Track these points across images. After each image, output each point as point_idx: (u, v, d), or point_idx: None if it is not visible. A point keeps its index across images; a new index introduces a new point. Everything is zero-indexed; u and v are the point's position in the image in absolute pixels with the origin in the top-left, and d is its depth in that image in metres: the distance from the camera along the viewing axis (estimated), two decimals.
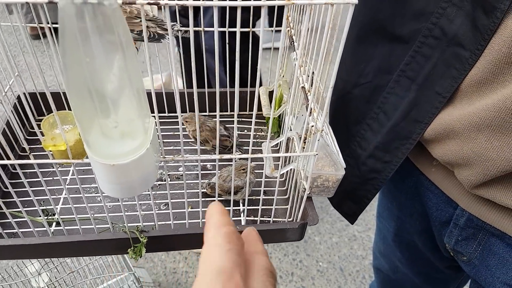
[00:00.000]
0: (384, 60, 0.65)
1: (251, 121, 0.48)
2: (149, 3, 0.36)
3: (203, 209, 0.58)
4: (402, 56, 0.61)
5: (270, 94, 0.82)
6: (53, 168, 0.76)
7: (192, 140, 0.84)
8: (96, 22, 0.32)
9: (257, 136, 0.88)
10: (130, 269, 1.30)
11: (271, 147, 0.73)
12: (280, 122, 0.82)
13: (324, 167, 0.62)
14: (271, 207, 0.72)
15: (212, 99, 0.87)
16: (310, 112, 0.55)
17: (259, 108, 0.89)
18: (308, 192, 0.57)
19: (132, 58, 0.36)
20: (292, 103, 0.69)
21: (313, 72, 0.55)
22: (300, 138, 0.69)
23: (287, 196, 0.73)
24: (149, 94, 0.41)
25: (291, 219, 0.68)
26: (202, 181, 0.76)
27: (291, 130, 0.69)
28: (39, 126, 0.85)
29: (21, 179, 0.49)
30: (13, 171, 0.75)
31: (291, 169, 0.64)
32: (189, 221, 0.61)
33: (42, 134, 0.54)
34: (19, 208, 0.54)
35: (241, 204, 0.73)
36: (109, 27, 0.33)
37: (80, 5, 0.31)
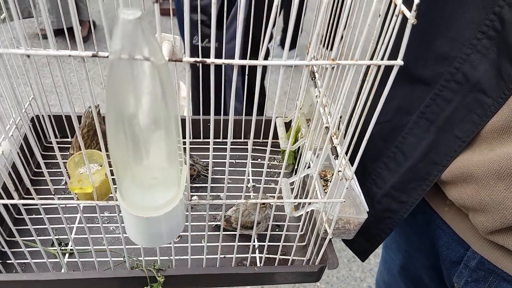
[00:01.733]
0: (404, 101, 0.65)
1: (265, 149, 0.47)
2: (195, 62, 0.35)
3: (220, 244, 0.57)
4: (422, 98, 0.61)
5: (286, 125, 0.82)
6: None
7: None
8: (144, 73, 0.32)
9: (270, 165, 0.87)
10: None
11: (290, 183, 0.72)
12: (295, 154, 0.81)
13: (345, 208, 0.62)
14: (284, 244, 0.71)
15: (225, 127, 0.87)
16: (337, 156, 0.54)
17: (264, 135, 0.89)
18: (331, 236, 0.57)
19: (172, 108, 0.35)
20: (311, 139, 0.69)
21: (340, 117, 0.55)
22: (322, 178, 0.69)
23: (302, 233, 0.72)
24: None
25: (307, 258, 0.67)
26: (216, 213, 0.75)
27: (309, 166, 0.69)
28: (51, 148, 0.84)
29: (33, 206, 0.48)
30: (26, 197, 0.73)
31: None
32: (207, 256, 0.60)
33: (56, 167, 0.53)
34: (29, 236, 0.52)
35: (255, 240, 0.72)
36: (154, 78, 0.32)
37: (128, 61, 0.31)
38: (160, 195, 0.40)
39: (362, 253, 0.79)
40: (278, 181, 0.83)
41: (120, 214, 0.72)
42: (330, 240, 0.64)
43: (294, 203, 0.61)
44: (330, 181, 0.68)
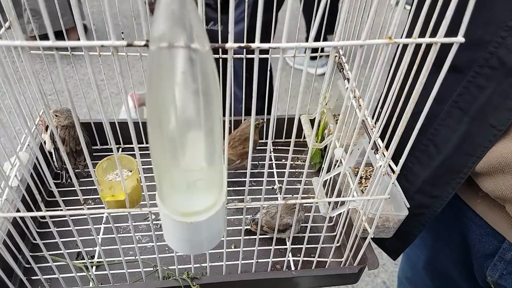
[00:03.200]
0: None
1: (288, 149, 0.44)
2: (239, 47, 0.33)
3: (253, 248, 0.55)
4: (455, 87, 0.58)
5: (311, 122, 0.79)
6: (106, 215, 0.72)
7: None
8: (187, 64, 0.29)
9: (294, 165, 0.85)
10: None
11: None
12: (322, 152, 0.78)
13: (384, 205, 0.59)
14: (317, 246, 0.68)
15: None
16: (377, 150, 0.52)
17: (287, 134, 0.86)
18: (372, 236, 0.54)
19: (215, 105, 0.33)
20: (340, 135, 0.66)
21: (381, 107, 0.52)
22: (356, 175, 0.66)
23: (334, 233, 0.69)
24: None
25: (344, 259, 0.64)
26: (245, 216, 0.72)
27: (338, 164, 0.66)
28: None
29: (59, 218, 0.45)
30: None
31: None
32: (243, 262, 0.57)
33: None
34: (50, 250, 0.49)
35: (287, 243, 0.69)
36: (198, 68, 0.30)
37: (170, 49, 0.28)
38: (203, 199, 0.37)
39: (394, 252, 0.76)
40: (303, 181, 0.81)
41: (155, 222, 0.70)
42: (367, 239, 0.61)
43: (331, 202, 0.58)
44: (363, 178, 0.65)
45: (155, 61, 0.29)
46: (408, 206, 0.56)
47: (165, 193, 0.37)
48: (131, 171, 0.47)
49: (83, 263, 0.62)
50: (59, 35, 0.32)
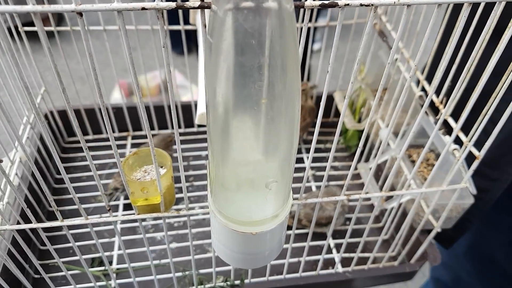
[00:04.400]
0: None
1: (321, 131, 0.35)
2: (322, 5, 0.24)
3: (308, 244, 0.47)
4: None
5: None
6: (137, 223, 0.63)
7: None
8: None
9: (323, 148, 0.77)
10: None
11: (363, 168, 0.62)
12: (359, 134, 0.70)
13: (443, 192, 0.51)
14: (359, 239, 0.61)
15: None
16: (446, 131, 0.44)
17: (325, 113, 0.78)
18: (439, 230, 0.46)
19: (295, 82, 0.24)
20: (386, 114, 0.58)
21: (451, 82, 0.44)
22: (408, 156, 0.58)
23: (381, 225, 0.62)
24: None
25: (393, 253, 0.57)
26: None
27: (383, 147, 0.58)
28: (70, 149, 0.72)
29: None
30: (71, 218, 0.62)
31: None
32: (290, 260, 0.50)
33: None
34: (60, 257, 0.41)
35: (330, 238, 0.61)
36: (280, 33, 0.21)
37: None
38: (271, 205, 0.29)
39: (447, 240, 0.70)
40: (337, 167, 0.73)
41: (176, 219, 0.61)
42: (427, 232, 0.54)
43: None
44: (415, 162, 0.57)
45: (216, 25, 0.20)
46: (475, 193, 0.49)
47: (222, 196, 0.29)
48: (162, 167, 0.38)
49: (101, 270, 0.54)
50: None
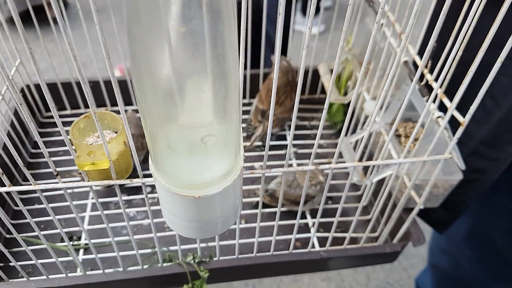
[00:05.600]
0: (495, 31, 0.51)
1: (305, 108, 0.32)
2: None
3: (267, 223, 0.44)
4: None
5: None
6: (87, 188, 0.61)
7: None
8: None
9: (309, 126, 0.73)
10: None
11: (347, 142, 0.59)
12: (345, 109, 0.67)
13: (429, 168, 0.48)
14: (342, 219, 0.58)
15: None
16: (435, 99, 0.40)
17: (311, 89, 0.74)
18: (422, 206, 0.43)
19: (227, 35, 0.21)
20: (372, 86, 0.55)
21: (436, 43, 0.40)
22: (397, 134, 0.54)
23: (365, 204, 0.59)
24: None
25: (376, 234, 0.54)
26: (253, 187, 0.62)
27: (369, 120, 0.55)
28: (47, 124, 0.71)
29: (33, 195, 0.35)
30: (22, 184, 0.60)
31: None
32: (265, 239, 0.47)
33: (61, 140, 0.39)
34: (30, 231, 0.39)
35: (308, 216, 0.59)
36: None
37: None
38: (215, 165, 0.26)
39: (441, 224, 0.67)
40: (322, 145, 0.70)
41: (151, 195, 0.60)
42: (409, 210, 0.51)
43: (363, 166, 0.48)
44: (403, 137, 0.54)
45: None
46: (463, 168, 0.45)
47: (161, 158, 0.26)
48: (116, 132, 0.36)
49: (66, 246, 0.52)
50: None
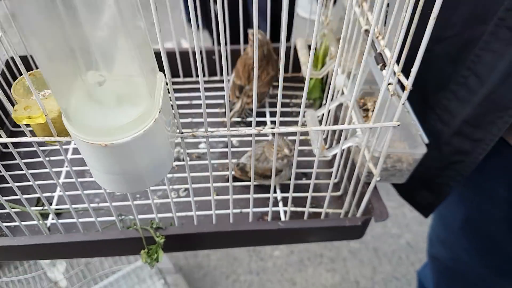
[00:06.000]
0: (476, 5, 0.50)
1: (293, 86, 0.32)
2: None
3: (233, 197, 0.44)
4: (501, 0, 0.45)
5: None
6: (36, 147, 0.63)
7: (217, 110, 0.69)
8: None
9: (291, 104, 0.72)
10: None
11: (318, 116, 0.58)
12: (323, 85, 0.66)
13: (394, 142, 0.47)
14: (315, 195, 0.57)
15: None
16: (384, 65, 0.39)
17: (295, 68, 0.73)
18: (378, 179, 0.42)
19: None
20: (342, 58, 0.53)
21: (387, 5, 0.38)
22: (360, 107, 0.53)
23: (336, 180, 0.58)
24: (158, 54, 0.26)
25: (344, 210, 0.53)
26: (227, 161, 0.62)
27: (342, 94, 0.54)
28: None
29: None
30: None
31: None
32: (216, 211, 0.48)
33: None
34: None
35: (278, 191, 0.59)
36: None
37: None
38: (126, 114, 0.26)
39: (426, 207, 0.66)
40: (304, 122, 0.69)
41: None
42: (375, 186, 0.49)
43: (322, 139, 0.47)
44: (371, 111, 0.52)
45: None
46: (427, 141, 0.44)
47: (71, 108, 0.26)
48: None
49: (38, 210, 0.54)
50: None
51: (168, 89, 0.31)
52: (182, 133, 0.36)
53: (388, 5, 0.38)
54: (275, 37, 0.65)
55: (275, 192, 0.58)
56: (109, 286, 1.18)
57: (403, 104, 0.35)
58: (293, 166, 0.44)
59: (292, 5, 1.04)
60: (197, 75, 0.74)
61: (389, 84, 0.38)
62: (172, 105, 0.32)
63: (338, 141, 0.53)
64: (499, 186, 0.61)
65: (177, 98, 0.71)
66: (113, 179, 0.30)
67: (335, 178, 0.56)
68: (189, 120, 0.69)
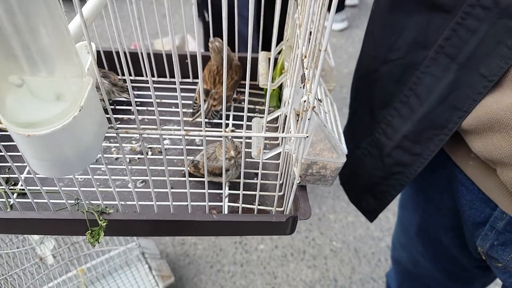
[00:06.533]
0: (420, 33, 0.54)
1: (253, 93, 0.37)
2: None
3: (186, 190, 0.49)
4: (441, 29, 0.50)
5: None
6: None
7: (185, 110, 0.74)
8: None
9: (256, 110, 0.77)
10: (134, 240, 1.25)
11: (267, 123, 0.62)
12: (280, 95, 0.70)
13: (322, 151, 0.51)
14: (260, 193, 0.62)
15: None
16: (304, 84, 0.44)
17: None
18: (298, 181, 0.47)
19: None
20: (292, 72, 0.58)
21: (310, 32, 0.43)
22: (298, 115, 0.58)
23: (282, 182, 0.63)
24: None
25: (284, 209, 0.58)
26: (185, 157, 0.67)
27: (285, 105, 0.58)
28: None
29: None
30: None
31: (287, 152, 0.54)
32: (158, 203, 0.53)
33: None
34: None
35: (226, 188, 0.63)
36: None
37: None
38: (50, 111, 0.32)
39: (371, 212, 0.70)
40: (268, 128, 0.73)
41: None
42: (304, 188, 0.54)
43: (262, 143, 0.52)
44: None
45: None
46: (346, 152, 0.48)
47: (3, 100, 0.31)
48: None
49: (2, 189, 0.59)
50: None
51: (113, 90, 0.36)
52: (117, 129, 0.41)
53: (310, 33, 0.42)
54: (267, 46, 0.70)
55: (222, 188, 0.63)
56: (95, 266, 1.25)
57: (309, 118, 0.40)
58: (242, 166, 0.50)
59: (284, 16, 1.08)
60: (171, 76, 0.80)
61: (305, 101, 0.43)
62: (131, 102, 0.37)
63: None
64: (445, 197, 0.66)
65: (146, 96, 0.77)
66: (41, 164, 0.35)
67: (281, 179, 0.61)
68: (168, 117, 0.74)
